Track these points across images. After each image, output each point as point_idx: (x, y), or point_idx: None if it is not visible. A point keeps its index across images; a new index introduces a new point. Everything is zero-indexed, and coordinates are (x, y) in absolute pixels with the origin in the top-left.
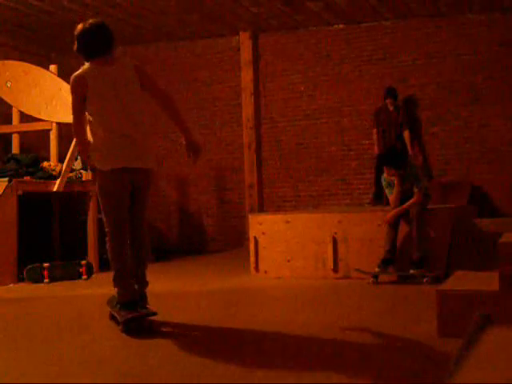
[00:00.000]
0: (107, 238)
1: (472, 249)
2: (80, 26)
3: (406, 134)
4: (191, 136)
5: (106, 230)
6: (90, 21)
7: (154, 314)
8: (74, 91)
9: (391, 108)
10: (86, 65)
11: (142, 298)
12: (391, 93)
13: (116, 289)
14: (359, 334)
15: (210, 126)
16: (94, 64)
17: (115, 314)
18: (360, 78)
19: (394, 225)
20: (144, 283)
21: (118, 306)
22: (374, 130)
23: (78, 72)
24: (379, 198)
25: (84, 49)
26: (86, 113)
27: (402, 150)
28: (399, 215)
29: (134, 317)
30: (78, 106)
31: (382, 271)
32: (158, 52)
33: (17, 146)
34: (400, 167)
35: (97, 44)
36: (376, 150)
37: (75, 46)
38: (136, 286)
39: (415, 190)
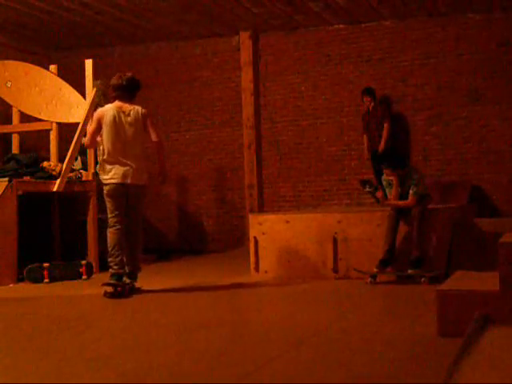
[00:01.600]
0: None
1: (472, 249)
2: (116, 79)
3: (385, 127)
4: (163, 170)
5: (108, 220)
6: (125, 77)
7: (130, 290)
8: (94, 120)
9: (371, 107)
10: (112, 104)
11: (130, 276)
12: (367, 91)
13: (109, 261)
14: (359, 334)
15: (210, 126)
16: (115, 104)
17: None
18: (360, 78)
19: (393, 225)
20: (135, 266)
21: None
22: (364, 136)
23: (103, 107)
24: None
25: (114, 94)
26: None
27: (393, 149)
28: (399, 213)
29: (108, 283)
30: (94, 131)
31: (380, 271)
32: (158, 52)
33: (17, 146)
34: (396, 168)
35: (123, 94)
36: (366, 154)
37: (110, 89)
38: (126, 267)
39: (410, 192)
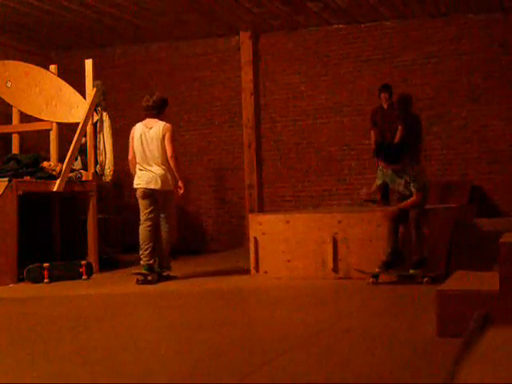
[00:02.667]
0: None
1: (472, 249)
2: (145, 101)
3: (400, 129)
4: (180, 180)
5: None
6: (152, 98)
7: (160, 278)
8: (130, 137)
9: (385, 105)
10: (142, 121)
11: (160, 266)
12: (386, 88)
13: (139, 253)
14: (359, 334)
15: (210, 126)
16: (144, 121)
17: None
18: (360, 78)
19: (394, 226)
20: (164, 258)
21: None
22: (372, 131)
23: (135, 125)
24: (386, 199)
25: (144, 113)
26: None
27: (399, 146)
28: (399, 214)
29: (138, 272)
30: (131, 146)
31: (382, 272)
32: (158, 52)
33: (17, 146)
34: (390, 163)
35: (150, 113)
36: (373, 149)
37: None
38: (156, 259)
39: (413, 190)
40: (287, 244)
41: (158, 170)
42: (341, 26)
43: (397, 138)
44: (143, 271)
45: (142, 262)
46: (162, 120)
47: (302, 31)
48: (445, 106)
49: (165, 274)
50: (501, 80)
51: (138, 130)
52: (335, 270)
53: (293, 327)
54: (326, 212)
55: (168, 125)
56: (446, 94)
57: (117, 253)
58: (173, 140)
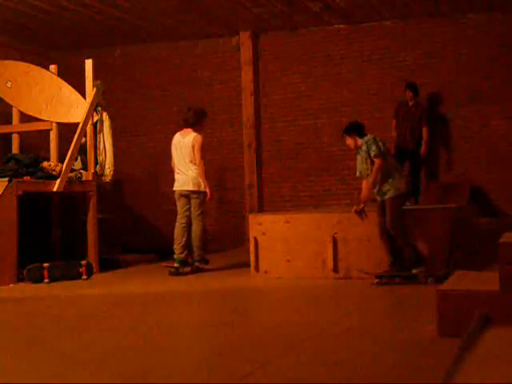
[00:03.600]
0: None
1: (472, 249)
2: (184, 114)
3: (425, 131)
4: (207, 187)
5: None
6: (189, 112)
7: (176, 271)
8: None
9: (411, 103)
10: (181, 131)
11: (192, 259)
12: (411, 86)
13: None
14: (359, 334)
15: (209, 126)
16: (181, 131)
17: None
18: (360, 78)
19: (382, 235)
20: (192, 252)
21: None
22: (393, 122)
23: (175, 135)
24: (413, 193)
25: (182, 124)
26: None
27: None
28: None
29: (168, 265)
30: (172, 154)
31: (390, 272)
32: (158, 52)
33: (17, 146)
34: (349, 132)
35: (186, 124)
36: (394, 136)
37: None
38: (186, 251)
39: (372, 157)
40: (287, 244)
41: (190, 173)
42: (341, 25)
43: (425, 139)
44: (175, 264)
45: (175, 256)
46: (198, 130)
47: (302, 31)
48: (445, 106)
49: (197, 265)
50: (501, 80)
51: (176, 138)
52: (335, 270)
53: (293, 327)
54: (325, 212)
55: (199, 136)
56: (446, 93)
57: (117, 253)
58: (200, 150)
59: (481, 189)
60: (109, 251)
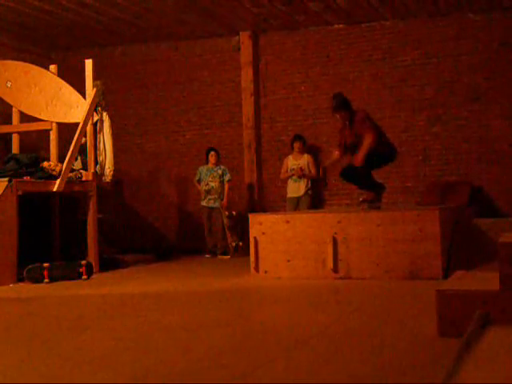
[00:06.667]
0: None
1: (472, 249)
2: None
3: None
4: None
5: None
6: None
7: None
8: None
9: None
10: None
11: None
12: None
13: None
14: (359, 333)
15: (210, 126)
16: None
17: None
18: (360, 78)
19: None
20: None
21: None
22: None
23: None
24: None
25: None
26: None
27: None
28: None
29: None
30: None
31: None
32: (158, 52)
33: (17, 146)
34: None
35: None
36: None
37: None
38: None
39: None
40: (287, 244)
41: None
42: (341, 25)
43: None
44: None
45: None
46: None
47: (302, 31)
48: (445, 106)
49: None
50: (501, 80)
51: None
52: (335, 270)
53: (292, 327)
54: (326, 212)
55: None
56: (446, 93)
57: (117, 253)
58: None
59: (481, 189)
60: (109, 251)
